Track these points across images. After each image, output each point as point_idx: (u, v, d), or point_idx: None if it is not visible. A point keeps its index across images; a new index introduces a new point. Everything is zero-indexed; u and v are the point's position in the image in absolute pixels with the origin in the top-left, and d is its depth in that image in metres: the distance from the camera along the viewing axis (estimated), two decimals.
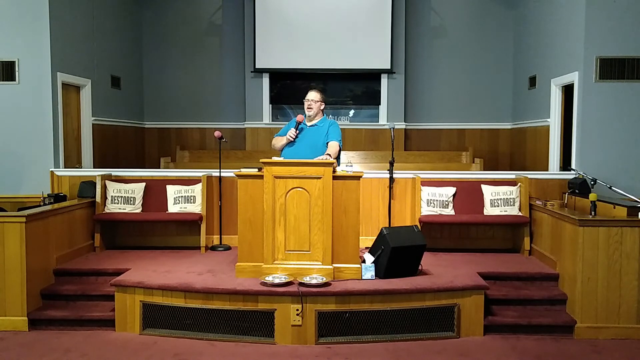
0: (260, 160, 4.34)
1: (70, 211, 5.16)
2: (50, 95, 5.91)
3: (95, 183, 5.60)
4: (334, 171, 4.39)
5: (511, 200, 5.47)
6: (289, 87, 8.72)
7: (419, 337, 4.12)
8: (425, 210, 5.48)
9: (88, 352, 3.90)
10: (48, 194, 5.50)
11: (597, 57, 5.92)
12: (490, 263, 5.02)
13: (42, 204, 5.29)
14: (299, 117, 4.81)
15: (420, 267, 4.56)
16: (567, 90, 6.59)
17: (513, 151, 8.56)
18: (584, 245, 4.25)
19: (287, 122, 5.28)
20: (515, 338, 4.21)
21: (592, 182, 5.23)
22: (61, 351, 3.93)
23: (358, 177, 4.41)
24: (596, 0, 5.89)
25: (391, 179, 5.52)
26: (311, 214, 4.32)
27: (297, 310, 4.05)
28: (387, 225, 5.05)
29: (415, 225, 4.82)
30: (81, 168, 6.57)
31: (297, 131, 4.82)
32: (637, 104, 5.92)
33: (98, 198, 5.55)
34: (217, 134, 5.76)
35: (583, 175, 5.42)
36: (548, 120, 6.98)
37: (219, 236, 5.68)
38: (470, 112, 8.76)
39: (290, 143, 4.85)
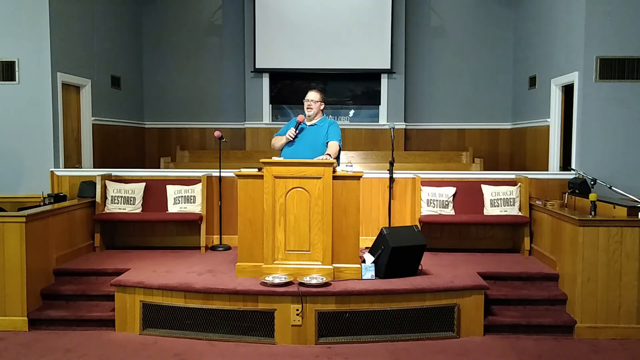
0: (260, 160, 4.34)
1: (70, 211, 5.16)
2: (50, 95, 5.91)
3: (95, 183, 5.60)
4: (334, 171, 4.39)
5: (511, 200, 5.47)
6: (289, 87, 8.72)
7: (419, 337, 4.12)
8: (425, 210, 5.48)
9: (88, 352, 3.90)
10: (48, 194, 5.50)
11: (597, 57, 5.91)
12: (490, 263, 5.02)
13: (42, 204, 5.29)
14: (300, 117, 4.81)
15: (420, 267, 4.56)
16: (567, 90, 6.59)
17: (513, 151, 8.55)
18: (584, 245, 4.25)
19: (287, 122, 5.28)
20: (515, 338, 4.21)
21: (592, 182, 5.23)
22: (61, 351, 3.93)
23: (358, 177, 4.41)
24: (596, 0, 5.89)
25: (391, 179, 5.52)
26: (311, 214, 4.32)
27: (297, 310, 4.05)
28: (387, 225, 5.05)
29: (415, 225, 4.82)
30: (81, 168, 6.56)
31: (297, 131, 4.82)
32: (637, 104, 5.92)
33: (98, 198, 5.55)
34: (217, 134, 5.76)
35: (583, 175, 5.41)
36: (548, 120, 6.97)
37: (219, 236, 5.68)
38: (470, 112, 8.75)
39: (290, 143, 4.85)
